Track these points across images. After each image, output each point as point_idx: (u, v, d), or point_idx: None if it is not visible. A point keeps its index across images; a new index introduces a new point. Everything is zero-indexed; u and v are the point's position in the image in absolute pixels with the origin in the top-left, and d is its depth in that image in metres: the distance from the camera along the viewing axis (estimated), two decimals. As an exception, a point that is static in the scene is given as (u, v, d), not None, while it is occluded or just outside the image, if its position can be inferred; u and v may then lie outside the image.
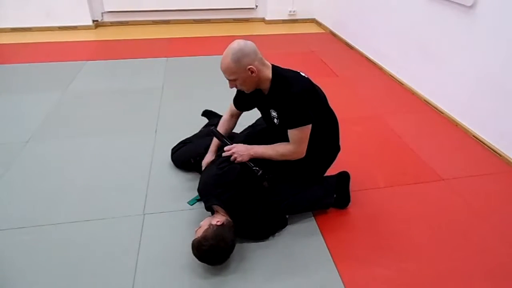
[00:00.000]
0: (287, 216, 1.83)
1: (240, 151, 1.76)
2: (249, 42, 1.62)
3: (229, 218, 1.64)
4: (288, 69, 1.72)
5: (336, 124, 1.88)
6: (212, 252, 1.53)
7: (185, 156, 2.17)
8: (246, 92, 1.72)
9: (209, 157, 1.94)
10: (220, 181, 1.72)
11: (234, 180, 1.71)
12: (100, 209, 1.92)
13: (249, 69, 1.58)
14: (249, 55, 1.58)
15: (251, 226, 1.71)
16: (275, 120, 1.74)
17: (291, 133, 1.67)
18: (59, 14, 4.76)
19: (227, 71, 1.61)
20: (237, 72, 1.59)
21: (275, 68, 1.68)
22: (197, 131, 2.43)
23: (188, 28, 5.11)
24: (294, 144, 1.69)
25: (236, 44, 1.59)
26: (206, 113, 2.61)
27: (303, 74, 1.72)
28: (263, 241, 1.74)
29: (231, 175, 1.72)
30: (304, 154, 1.72)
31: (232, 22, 5.42)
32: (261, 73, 1.63)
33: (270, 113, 1.76)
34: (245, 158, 1.75)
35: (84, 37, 4.68)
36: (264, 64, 1.65)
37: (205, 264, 1.58)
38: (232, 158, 1.75)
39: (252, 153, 1.76)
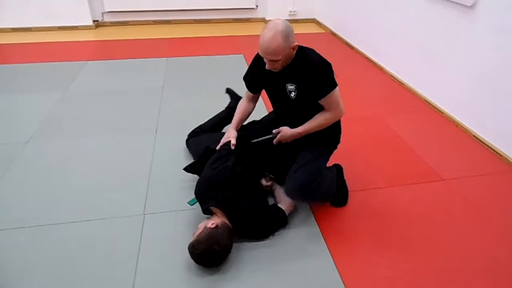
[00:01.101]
0: (287, 215, 1.84)
1: (284, 136, 1.79)
2: (286, 21, 1.58)
3: (226, 220, 1.64)
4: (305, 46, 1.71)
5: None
6: (205, 255, 1.54)
7: (197, 151, 2.18)
8: (275, 71, 1.69)
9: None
10: (214, 182, 1.72)
11: (228, 179, 1.72)
12: (100, 209, 1.92)
13: (293, 46, 1.58)
14: (292, 32, 1.57)
15: (250, 225, 1.71)
16: (292, 94, 1.74)
17: (324, 101, 1.69)
18: (60, 14, 4.76)
19: (276, 51, 1.55)
20: (285, 50, 1.56)
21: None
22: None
23: (188, 28, 5.11)
24: (332, 109, 1.72)
25: (277, 23, 1.54)
26: (229, 91, 2.70)
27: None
28: (263, 240, 1.74)
29: (224, 174, 1.73)
30: (343, 112, 1.76)
31: (233, 22, 5.42)
32: (296, 49, 1.64)
33: (285, 88, 1.75)
34: (289, 140, 1.80)
35: (85, 37, 4.69)
36: None
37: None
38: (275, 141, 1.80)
39: (296, 135, 1.79)
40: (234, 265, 1.62)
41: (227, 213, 1.65)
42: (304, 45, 1.70)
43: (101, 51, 4.22)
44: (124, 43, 4.50)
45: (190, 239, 1.60)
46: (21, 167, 2.24)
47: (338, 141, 1.93)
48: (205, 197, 1.71)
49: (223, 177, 1.71)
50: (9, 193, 2.03)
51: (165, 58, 4.00)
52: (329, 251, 1.71)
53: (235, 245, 1.65)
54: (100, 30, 4.98)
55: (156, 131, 2.64)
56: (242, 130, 2.03)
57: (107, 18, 5.08)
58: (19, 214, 1.88)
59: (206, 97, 3.14)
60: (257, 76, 1.84)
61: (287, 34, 1.54)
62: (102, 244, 1.72)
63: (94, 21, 4.97)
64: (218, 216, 1.65)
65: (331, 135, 1.89)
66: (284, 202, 1.89)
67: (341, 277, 1.58)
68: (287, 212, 1.84)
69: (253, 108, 2.02)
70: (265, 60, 1.62)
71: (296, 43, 1.59)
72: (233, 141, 1.85)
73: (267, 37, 1.53)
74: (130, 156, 2.36)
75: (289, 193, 1.78)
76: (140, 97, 3.14)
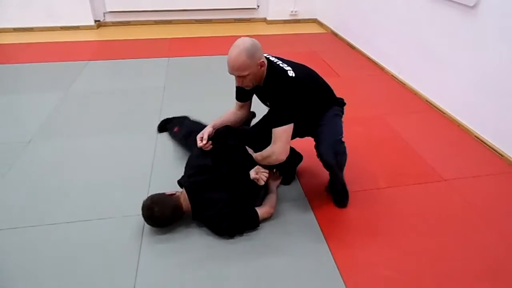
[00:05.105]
0: (261, 219, 1.81)
1: None
2: (253, 39, 1.63)
3: (187, 203, 1.73)
4: (278, 65, 1.70)
5: (328, 91, 1.87)
6: (144, 210, 1.70)
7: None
8: (247, 88, 1.72)
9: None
10: (197, 163, 1.87)
11: (210, 167, 1.83)
12: (102, 208, 1.93)
13: (260, 63, 1.60)
14: (259, 50, 1.61)
15: (207, 217, 1.74)
16: None
17: (273, 132, 1.67)
18: (61, 14, 4.77)
19: (241, 67, 1.58)
20: (251, 67, 1.59)
21: (269, 62, 1.70)
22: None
23: (189, 28, 5.12)
24: (274, 144, 1.68)
25: (243, 41, 1.59)
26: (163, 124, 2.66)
27: (291, 74, 1.67)
28: (232, 238, 1.74)
29: (208, 160, 1.85)
30: (284, 155, 1.69)
31: (234, 22, 5.42)
32: (265, 67, 1.66)
33: (267, 105, 1.80)
34: None
35: (86, 37, 4.69)
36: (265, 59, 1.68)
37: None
38: None
39: None
40: (234, 266, 1.62)
41: (190, 198, 1.72)
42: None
43: (102, 51, 4.22)
44: (125, 43, 4.50)
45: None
46: (22, 167, 2.24)
47: (336, 103, 1.87)
48: (185, 172, 1.88)
49: (206, 163, 1.83)
50: (10, 193, 2.03)
51: (167, 58, 4.00)
52: (330, 251, 1.71)
53: (235, 241, 1.66)
54: (102, 30, 4.98)
55: (157, 131, 2.64)
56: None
57: (109, 18, 5.09)
58: (20, 214, 1.88)
59: (207, 97, 3.14)
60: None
61: (252, 52, 1.57)
62: (103, 244, 1.73)
63: (95, 21, 4.98)
64: (182, 196, 1.74)
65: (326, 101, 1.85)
66: (263, 206, 1.86)
67: (341, 276, 1.58)
68: (262, 217, 1.80)
69: (240, 118, 1.97)
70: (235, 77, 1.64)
71: (263, 60, 1.60)
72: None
73: (233, 54, 1.56)
74: (131, 156, 2.36)
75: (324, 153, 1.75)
76: (142, 97, 3.15)
